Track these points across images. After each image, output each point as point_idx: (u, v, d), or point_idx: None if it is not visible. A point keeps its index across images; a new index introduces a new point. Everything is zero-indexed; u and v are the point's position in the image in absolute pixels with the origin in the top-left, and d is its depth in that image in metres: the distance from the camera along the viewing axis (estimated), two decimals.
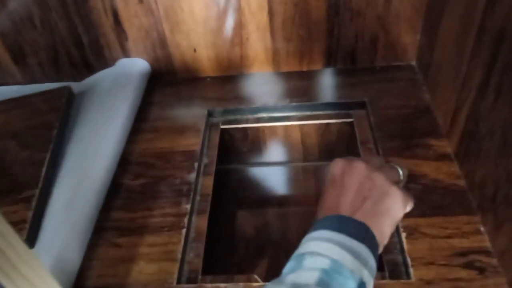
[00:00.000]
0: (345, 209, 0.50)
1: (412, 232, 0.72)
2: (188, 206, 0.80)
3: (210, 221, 0.79)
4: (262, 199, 1.11)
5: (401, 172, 0.62)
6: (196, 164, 0.87)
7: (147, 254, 0.73)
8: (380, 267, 0.61)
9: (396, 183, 0.56)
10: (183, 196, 0.82)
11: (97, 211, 0.77)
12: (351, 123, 0.97)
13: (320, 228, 0.46)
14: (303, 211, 1.06)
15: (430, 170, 0.81)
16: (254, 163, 1.10)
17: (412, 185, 0.82)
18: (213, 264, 0.82)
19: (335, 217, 0.48)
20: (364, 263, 0.42)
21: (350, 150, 1.01)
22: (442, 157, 0.83)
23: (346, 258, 0.41)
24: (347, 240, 0.42)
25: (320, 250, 0.42)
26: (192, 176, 0.85)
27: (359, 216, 0.49)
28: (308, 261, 0.41)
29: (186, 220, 0.77)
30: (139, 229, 0.76)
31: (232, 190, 1.12)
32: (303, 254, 0.43)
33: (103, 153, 0.83)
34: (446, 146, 0.85)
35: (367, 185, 0.53)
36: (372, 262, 0.46)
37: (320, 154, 1.12)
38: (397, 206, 0.53)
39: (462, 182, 0.78)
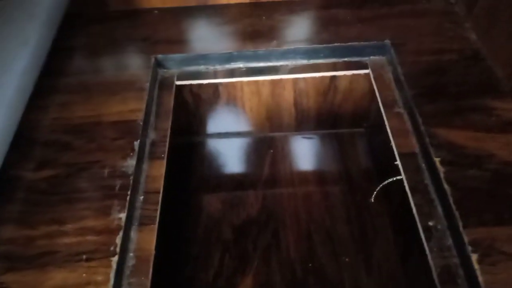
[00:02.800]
0: None
1: (487, 252, 0.51)
2: (123, 215, 0.56)
3: (161, 236, 0.56)
4: (240, 183, 0.87)
5: None
6: (136, 143, 0.63)
7: None
8: None
9: None
10: (115, 197, 0.58)
11: None
12: (366, 76, 0.75)
13: None
14: (297, 193, 0.83)
15: (498, 147, 0.61)
16: (227, 134, 0.89)
17: (474, 173, 0.58)
18: None
19: None
20: None
21: (366, 116, 0.71)
22: (511, 126, 0.63)
23: None
24: None
25: None
26: (130, 162, 0.61)
27: None
28: None
29: (119, 239, 0.53)
30: (41, 259, 0.53)
31: (197, 174, 0.87)
32: None
33: None
34: None
35: None
36: None
37: (320, 121, 0.87)
38: None
39: None
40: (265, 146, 0.89)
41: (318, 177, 0.84)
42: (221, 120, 0.86)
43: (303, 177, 0.85)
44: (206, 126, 0.88)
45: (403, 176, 0.60)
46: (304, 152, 0.88)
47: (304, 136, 0.89)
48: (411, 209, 0.58)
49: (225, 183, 0.86)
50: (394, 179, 0.64)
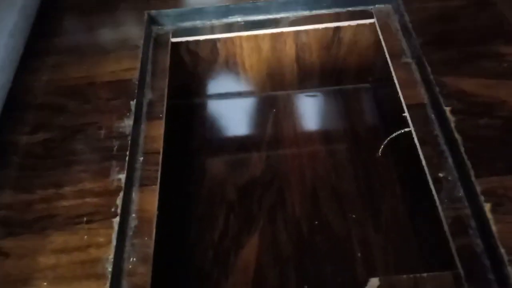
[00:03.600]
0: None
1: (500, 201, 0.49)
2: (122, 176, 0.54)
3: (164, 198, 0.55)
4: (243, 144, 0.84)
5: None
6: (133, 103, 0.60)
7: (52, 268, 0.48)
8: (447, 262, 0.48)
9: None
10: (113, 158, 0.56)
11: None
12: (372, 26, 0.71)
13: None
14: (301, 152, 0.81)
15: (510, 94, 0.58)
16: (228, 94, 0.86)
17: (486, 121, 0.55)
18: (175, 268, 0.63)
19: None
20: None
21: (371, 70, 0.68)
22: None
23: None
24: None
25: None
26: (128, 123, 0.59)
27: None
28: None
29: (119, 200, 0.52)
30: (40, 223, 0.51)
31: (198, 136, 0.84)
32: None
33: None
34: None
35: None
36: None
37: (324, 77, 0.83)
38: None
39: None
40: (268, 106, 0.86)
41: (323, 135, 0.81)
42: (221, 80, 0.83)
43: (308, 136, 0.83)
44: (206, 86, 0.85)
45: (411, 128, 0.58)
46: (308, 110, 0.85)
47: (308, 94, 0.86)
48: (419, 162, 0.55)
49: (228, 145, 0.84)
50: (402, 131, 0.61)
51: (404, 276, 0.48)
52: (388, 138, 0.70)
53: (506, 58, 0.61)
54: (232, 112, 0.86)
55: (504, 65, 0.60)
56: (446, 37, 0.64)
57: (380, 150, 0.73)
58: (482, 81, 0.59)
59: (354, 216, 0.69)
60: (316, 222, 0.69)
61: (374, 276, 0.48)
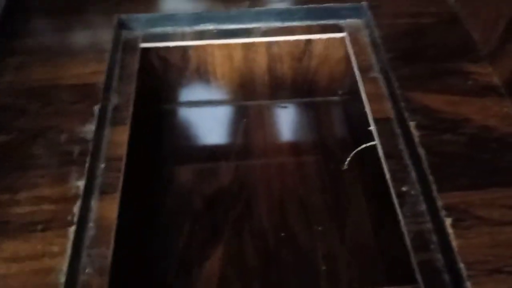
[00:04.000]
0: None
1: (461, 216, 0.49)
2: (81, 183, 0.52)
3: (124, 206, 0.53)
4: (212, 153, 0.82)
5: None
6: (96, 108, 0.58)
7: (1, 278, 0.45)
8: (408, 277, 0.47)
9: None
10: (73, 164, 0.53)
11: None
12: (342, 40, 0.72)
13: None
14: (270, 163, 0.80)
15: (474, 111, 0.59)
16: (199, 103, 0.83)
17: (450, 137, 0.56)
18: (136, 280, 0.62)
19: None
20: None
21: (341, 84, 0.68)
22: (488, 90, 0.62)
23: None
24: None
25: None
26: (90, 128, 0.57)
27: None
28: None
29: (77, 208, 0.49)
30: None
31: (167, 144, 0.82)
32: None
33: None
34: (491, 74, 0.63)
35: None
36: None
37: (294, 88, 0.82)
38: None
39: None
40: (238, 115, 0.85)
41: (292, 146, 0.81)
42: (192, 88, 0.81)
43: (277, 147, 0.82)
44: (176, 93, 0.83)
45: (377, 142, 0.58)
46: (278, 121, 0.84)
47: (279, 105, 0.86)
48: (384, 176, 0.56)
49: (197, 154, 0.82)
50: (368, 144, 0.62)
51: None
52: (354, 152, 0.70)
53: (472, 76, 0.62)
54: (202, 120, 0.85)
55: (469, 82, 0.61)
56: (414, 54, 0.64)
57: (346, 163, 0.73)
58: (447, 98, 0.59)
59: (320, 228, 0.68)
60: (283, 234, 0.68)
61: None
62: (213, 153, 0.82)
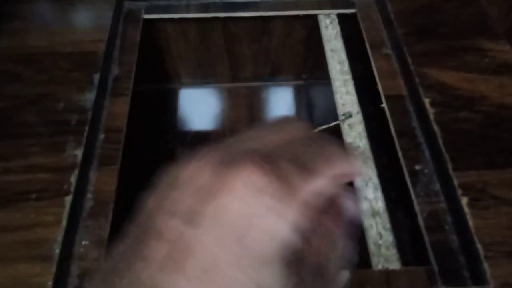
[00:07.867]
0: None
1: (478, 196, 0.46)
2: (79, 152, 0.49)
3: (123, 178, 0.50)
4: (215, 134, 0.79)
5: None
6: (96, 76, 0.55)
7: None
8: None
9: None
10: (70, 133, 0.50)
11: None
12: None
13: None
14: None
15: (491, 89, 0.56)
16: (203, 82, 0.80)
17: (466, 115, 0.53)
18: None
19: None
20: None
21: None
22: (505, 68, 0.58)
23: None
24: None
25: None
26: (89, 96, 0.54)
27: None
28: None
29: (74, 178, 0.47)
30: None
31: (165, 122, 0.78)
32: None
33: None
34: (508, 51, 0.60)
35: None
36: None
37: (297, 68, 0.77)
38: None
39: None
40: (246, 96, 0.82)
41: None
42: (191, 67, 0.78)
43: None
44: (179, 69, 0.80)
45: (389, 119, 0.55)
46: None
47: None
48: (397, 154, 0.53)
49: (191, 134, 0.79)
50: (331, 124, 0.59)
51: (376, 269, 0.45)
52: (317, 129, 0.65)
53: (488, 54, 0.59)
54: (204, 101, 0.82)
55: (486, 60, 0.58)
56: (428, 30, 0.62)
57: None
58: (463, 75, 0.56)
59: None
60: None
61: None
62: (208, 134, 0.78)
